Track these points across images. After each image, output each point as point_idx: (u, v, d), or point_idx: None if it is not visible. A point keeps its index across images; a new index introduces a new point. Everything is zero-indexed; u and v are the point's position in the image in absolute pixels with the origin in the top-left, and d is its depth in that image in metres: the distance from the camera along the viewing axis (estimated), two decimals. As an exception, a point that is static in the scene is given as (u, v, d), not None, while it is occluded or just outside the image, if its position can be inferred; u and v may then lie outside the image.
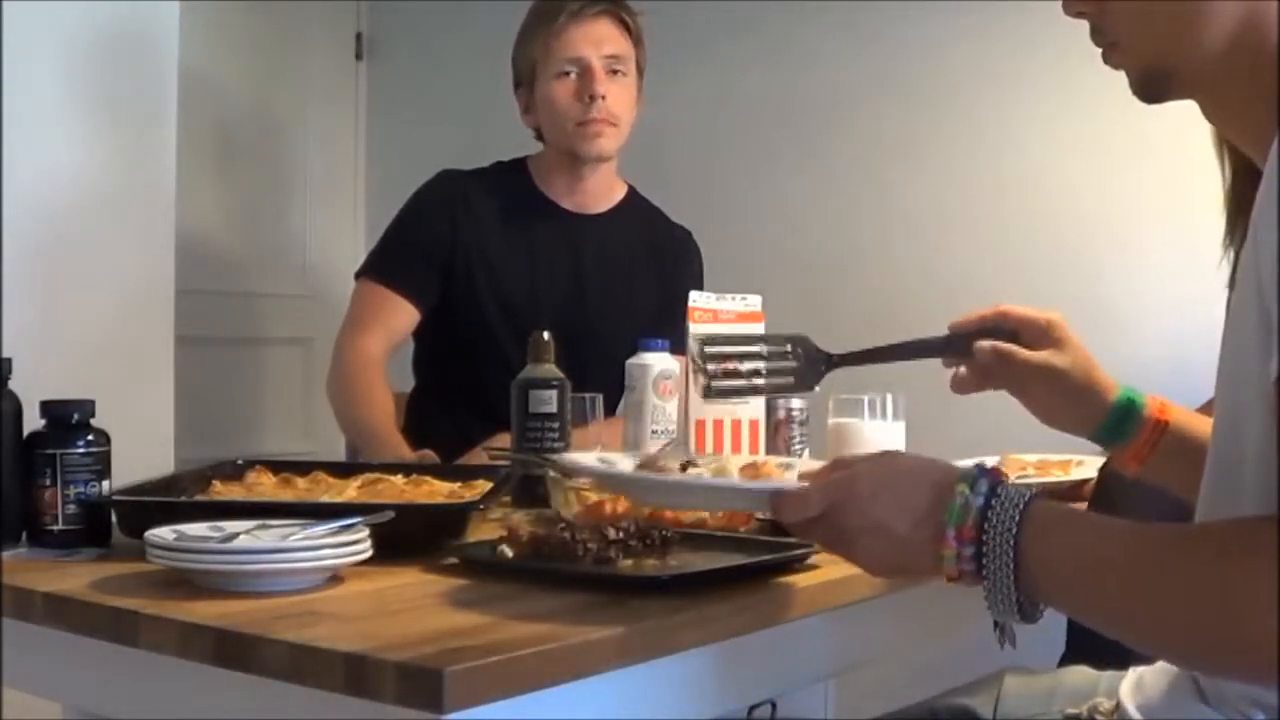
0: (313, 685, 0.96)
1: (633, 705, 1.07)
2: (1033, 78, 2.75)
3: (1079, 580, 0.95)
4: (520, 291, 2.35)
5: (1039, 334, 1.32)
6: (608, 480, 1.24)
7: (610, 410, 2.29)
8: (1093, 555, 0.94)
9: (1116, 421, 1.31)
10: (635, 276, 2.45)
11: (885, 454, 1.08)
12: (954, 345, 1.34)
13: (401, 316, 2.31)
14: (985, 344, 1.32)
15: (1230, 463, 0.96)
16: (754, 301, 1.95)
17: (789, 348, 1.36)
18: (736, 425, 1.90)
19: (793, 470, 1.24)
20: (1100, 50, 1.08)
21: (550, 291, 2.36)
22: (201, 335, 3.29)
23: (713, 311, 1.93)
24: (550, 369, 1.72)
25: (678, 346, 2.51)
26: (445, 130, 3.67)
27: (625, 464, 1.27)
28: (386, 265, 2.34)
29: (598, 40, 2.31)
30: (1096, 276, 2.78)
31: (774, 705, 1.89)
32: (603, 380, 2.36)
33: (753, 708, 1.77)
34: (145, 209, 2.56)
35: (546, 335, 1.73)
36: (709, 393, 1.35)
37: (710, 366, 1.34)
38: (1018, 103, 2.87)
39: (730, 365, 1.31)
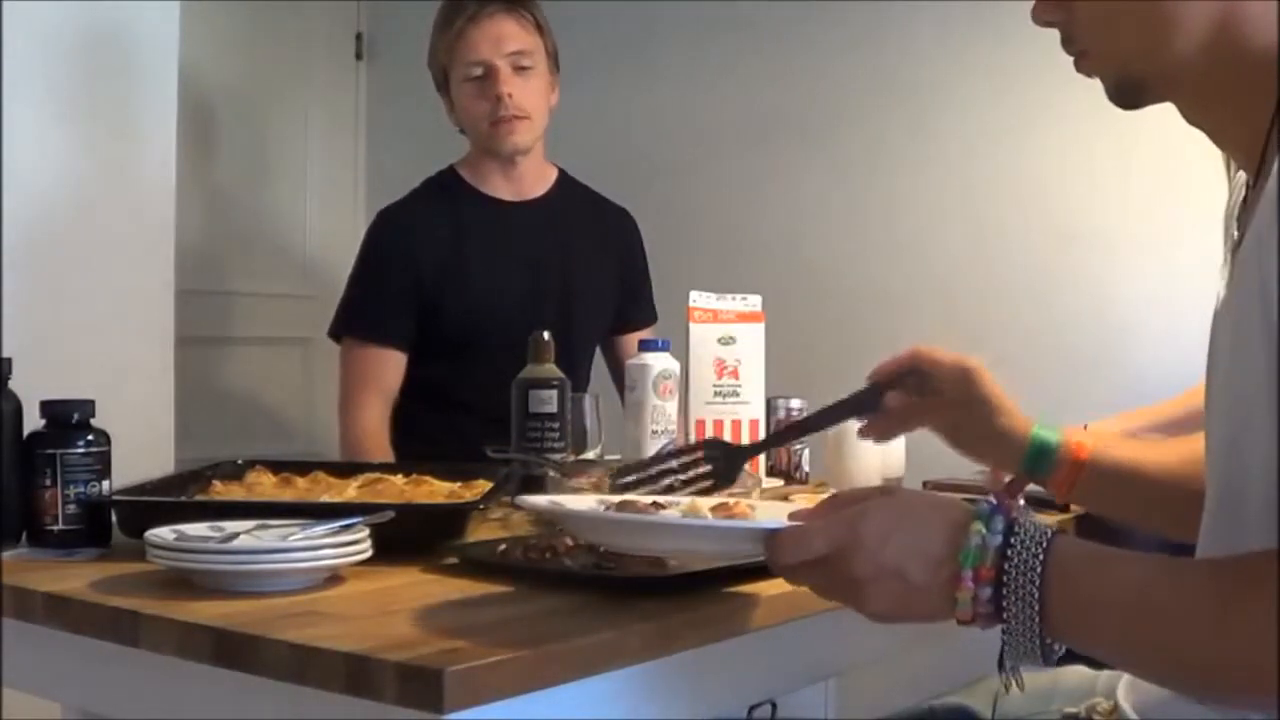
0: (313, 685, 0.96)
1: (633, 705, 1.07)
2: (1031, 78, 2.75)
3: (1108, 623, 0.90)
4: (488, 289, 2.36)
5: (953, 381, 1.32)
6: (576, 521, 1.15)
7: (584, 385, 2.32)
8: (1123, 597, 0.90)
9: (1032, 461, 1.33)
10: (589, 252, 2.47)
11: (889, 491, 1.01)
12: (871, 399, 1.35)
13: (393, 369, 2.36)
14: (895, 400, 1.34)
15: (1233, 484, 0.94)
16: (754, 301, 1.95)
17: (701, 453, 1.35)
18: (737, 425, 1.90)
19: (757, 511, 1.18)
20: (1072, 59, 1.06)
21: (515, 280, 2.38)
22: (201, 335, 3.29)
23: (713, 311, 1.93)
24: (550, 369, 1.72)
25: (651, 318, 2.56)
26: (445, 130, 3.65)
27: (587, 502, 1.20)
28: (364, 322, 2.37)
29: (497, 39, 2.31)
30: (1095, 277, 2.78)
31: (774, 705, 1.88)
32: (584, 353, 2.39)
33: (753, 708, 1.77)
34: (145, 209, 2.55)
35: (546, 335, 1.73)
36: None
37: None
38: (1017, 103, 2.86)
39: (644, 490, 1.30)
